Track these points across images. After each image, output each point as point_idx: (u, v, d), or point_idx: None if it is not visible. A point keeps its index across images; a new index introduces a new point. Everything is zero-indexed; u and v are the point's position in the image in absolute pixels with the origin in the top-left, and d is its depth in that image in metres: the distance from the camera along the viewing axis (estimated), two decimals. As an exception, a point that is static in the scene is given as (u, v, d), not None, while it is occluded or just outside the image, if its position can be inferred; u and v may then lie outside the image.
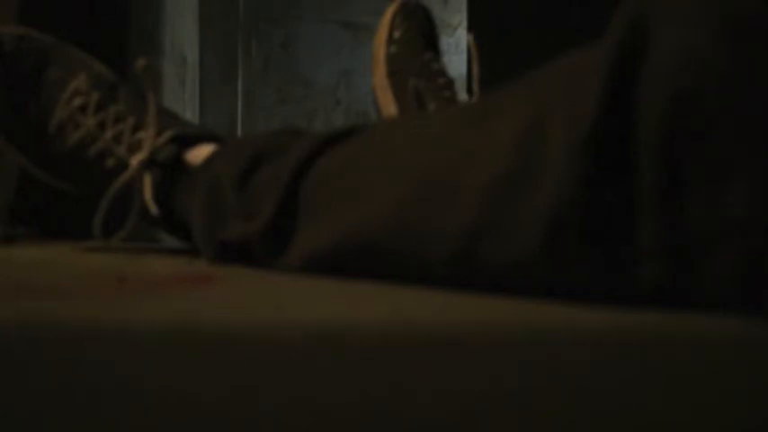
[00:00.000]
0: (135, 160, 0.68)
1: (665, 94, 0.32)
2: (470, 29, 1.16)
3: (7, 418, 0.17)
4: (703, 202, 0.31)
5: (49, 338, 0.26)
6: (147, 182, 0.68)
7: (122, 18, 1.03)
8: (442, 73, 0.85)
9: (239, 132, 4.15)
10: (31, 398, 0.18)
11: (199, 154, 0.67)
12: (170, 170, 0.68)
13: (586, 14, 0.69)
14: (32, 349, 0.25)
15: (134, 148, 0.69)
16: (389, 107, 0.85)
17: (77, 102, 0.70)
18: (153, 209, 0.67)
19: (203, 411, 0.17)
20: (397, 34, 0.87)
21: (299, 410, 0.17)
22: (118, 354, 0.24)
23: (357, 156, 0.49)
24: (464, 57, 1.18)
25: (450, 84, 0.85)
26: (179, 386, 0.20)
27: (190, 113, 1.93)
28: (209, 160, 0.64)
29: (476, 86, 0.86)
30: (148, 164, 0.68)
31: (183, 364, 0.22)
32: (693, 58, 0.31)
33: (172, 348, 0.25)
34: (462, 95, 0.87)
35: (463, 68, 1.08)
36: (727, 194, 0.30)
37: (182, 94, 1.82)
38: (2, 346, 0.26)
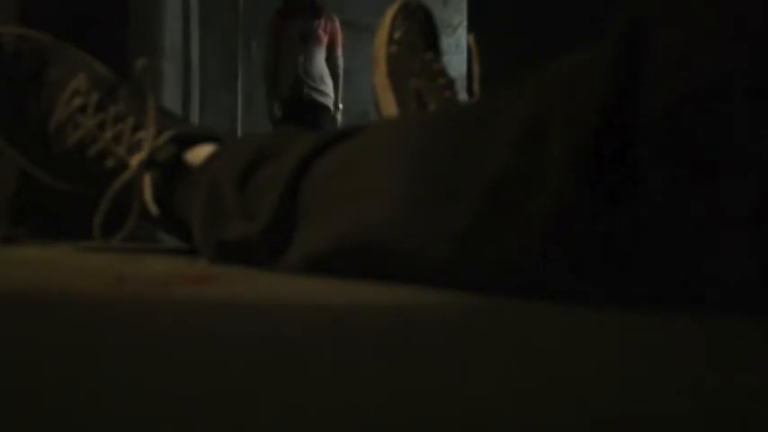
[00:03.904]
0: (135, 160, 0.68)
1: (666, 93, 0.32)
2: (470, 29, 1.16)
3: (6, 419, 0.17)
4: (705, 201, 0.31)
5: (48, 338, 0.26)
6: (147, 182, 0.68)
7: (122, 18, 1.04)
8: (443, 73, 0.85)
9: (239, 132, 4.16)
10: (30, 398, 0.18)
11: (199, 154, 0.67)
12: (170, 170, 0.68)
13: (586, 14, 0.69)
14: (32, 349, 0.25)
15: (134, 148, 0.69)
16: (390, 107, 0.85)
17: (77, 102, 0.70)
18: (153, 209, 0.67)
19: (202, 412, 0.17)
20: (397, 34, 0.87)
21: (298, 411, 0.17)
22: (117, 353, 0.24)
23: (357, 156, 0.49)
24: (464, 57, 1.18)
25: (450, 84, 0.85)
26: (178, 387, 0.20)
27: (190, 113, 1.93)
28: (209, 160, 0.64)
29: (476, 86, 0.86)
30: (148, 164, 0.68)
31: (182, 365, 0.22)
32: (694, 57, 0.31)
33: (171, 349, 0.25)
34: (462, 95, 0.87)
35: (463, 68, 1.08)
36: (729, 194, 0.30)
37: (181, 95, 1.82)
38: (1, 345, 0.26)
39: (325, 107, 3.14)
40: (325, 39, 3.16)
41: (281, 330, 0.29)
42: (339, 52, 3.22)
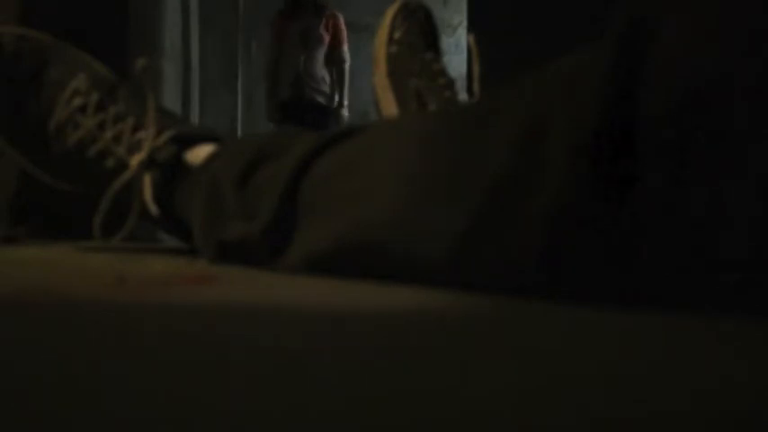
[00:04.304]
0: (135, 160, 0.68)
1: (666, 93, 0.32)
2: (470, 29, 1.16)
3: (6, 419, 0.17)
4: (705, 201, 0.31)
5: (48, 338, 0.26)
6: (147, 182, 0.68)
7: (122, 18, 1.04)
8: (443, 73, 0.85)
9: (239, 132, 4.16)
10: (30, 398, 0.18)
11: (199, 154, 0.67)
12: (170, 170, 0.68)
13: (586, 14, 0.69)
14: (31, 349, 0.25)
15: (134, 148, 0.69)
16: (390, 107, 0.85)
17: (77, 102, 0.70)
18: (153, 209, 0.67)
19: (202, 412, 0.17)
20: (397, 34, 0.87)
21: (298, 411, 0.17)
22: (117, 354, 0.24)
23: (357, 156, 0.49)
24: (464, 57, 1.18)
25: (450, 84, 0.85)
26: (178, 387, 0.20)
27: (190, 114, 1.93)
28: (209, 160, 0.64)
29: (476, 86, 0.86)
30: (148, 164, 0.68)
31: (182, 365, 0.22)
32: (694, 57, 0.31)
33: (171, 349, 0.25)
34: (462, 95, 0.87)
35: (463, 68, 1.08)
36: (729, 194, 0.30)
37: (182, 95, 1.82)
38: (1, 345, 0.26)
39: (327, 108, 3.12)
40: (327, 38, 3.11)
41: (281, 331, 0.29)
42: (345, 48, 3.15)
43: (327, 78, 3.12)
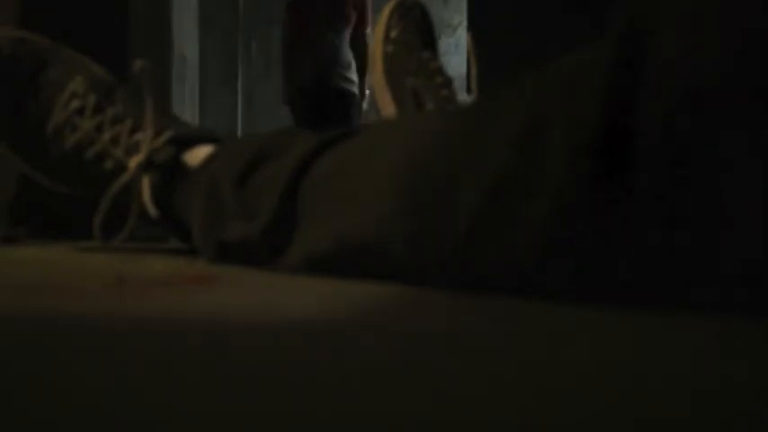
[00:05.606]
0: (133, 162, 0.67)
1: (666, 93, 0.32)
2: (470, 29, 1.16)
3: (5, 419, 0.17)
4: (704, 201, 0.31)
5: (48, 338, 0.26)
6: (146, 183, 0.68)
7: (122, 18, 1.04)
8: (440, 72, 0.85)
9: (239, 132, 4.16)
10: (30, 398, 0.18)
11: (197, 155, 0.67)
12: (169, 171, 0.68)
13: (586, 14, 0.69)
14: (32, 349, 0.25)
15: (132, 150, 0.69)
16: (387, 106, 0.85)
17: (75, 104, 0.70)
18: (152, 210, 0.67)
19: (202, 413, 0.17)
20: (393, 33, 0.87)
21: (299, 412, 0.17)
22: (117, 354, 0.24)
23: (356, 156, 0.49)
24: (464, 57, 1.18)
25: (447, 82, 0.85)
26: (178, 388, 0.20)
27: (190, 114, 1.93)
28: (208, 161, 0.64)
29: (475, 86, 0.86)
30: (147, 166, 0.67)
31: (182, 366, 0.22)
32: (694, 57, 0.31)
33: (170, 350, 0.25)
34: (462, 95, 0.87)
35: (463, 68, 1.08)
36: (729, 194, 0.30)
37: (182, 95, 1.82)
38: (2, 345, 0.26)
39: (354, 95, 2.79)
40: (354, 17, 2.77)
41: (281, 331, 0.29)
42: (369, 30, 2.76)
43: (354, 64, 2.80)
